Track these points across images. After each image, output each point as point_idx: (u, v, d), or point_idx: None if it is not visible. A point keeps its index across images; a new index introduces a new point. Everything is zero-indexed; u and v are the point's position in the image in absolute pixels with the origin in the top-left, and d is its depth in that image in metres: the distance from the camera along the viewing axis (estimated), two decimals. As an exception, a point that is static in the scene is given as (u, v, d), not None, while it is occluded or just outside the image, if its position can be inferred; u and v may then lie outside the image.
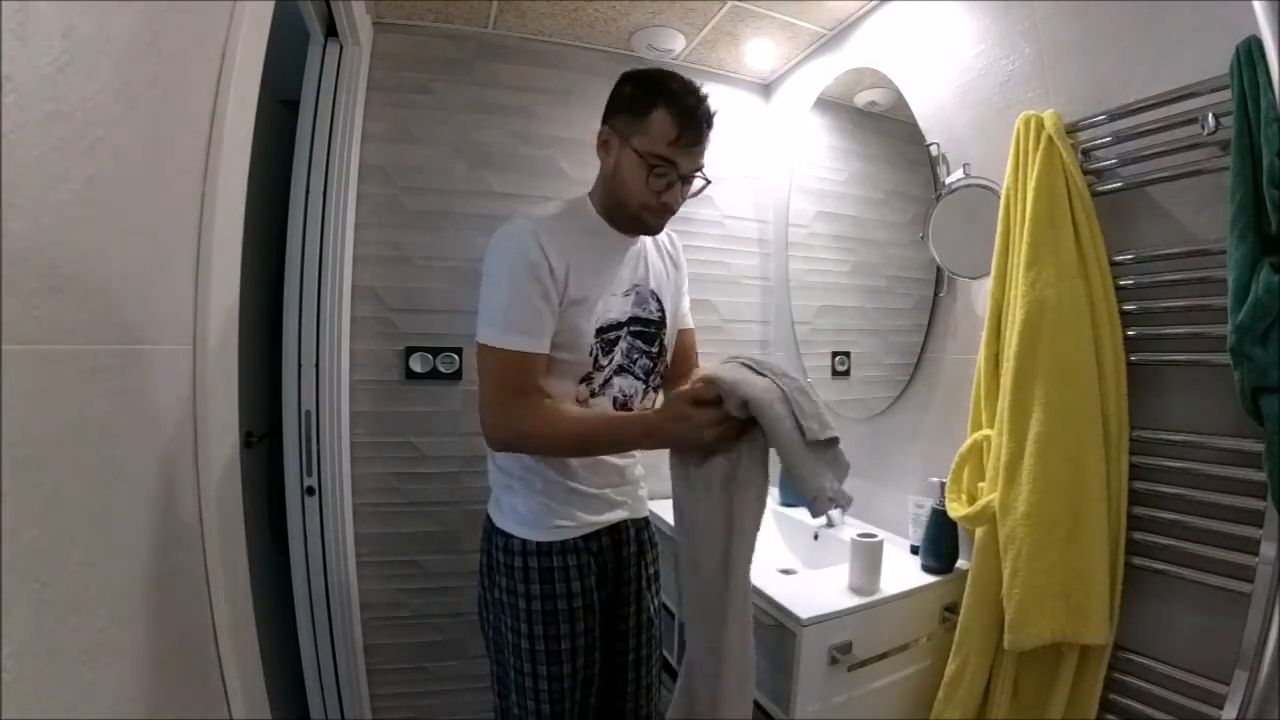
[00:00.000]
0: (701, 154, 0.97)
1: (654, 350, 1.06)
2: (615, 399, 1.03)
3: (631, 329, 1.03)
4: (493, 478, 1.08)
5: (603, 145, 1.00)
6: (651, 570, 1.13)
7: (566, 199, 1.05)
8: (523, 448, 0.98)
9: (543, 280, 0.92)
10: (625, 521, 1.08)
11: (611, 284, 1.01)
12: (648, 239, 1.08)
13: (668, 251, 1.13)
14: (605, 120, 1.00)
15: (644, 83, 0.97)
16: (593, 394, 1.00)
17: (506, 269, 0.93)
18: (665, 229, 1.07)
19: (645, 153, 0.93)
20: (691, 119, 0.93)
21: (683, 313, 1.16)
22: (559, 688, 0.99)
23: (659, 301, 1.07)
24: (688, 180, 0.97)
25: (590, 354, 0.98)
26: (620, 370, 1.03)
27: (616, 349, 1.01)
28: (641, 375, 1.05)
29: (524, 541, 1.00)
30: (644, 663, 1.12)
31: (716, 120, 0.97)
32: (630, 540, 1.09)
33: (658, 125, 0.93)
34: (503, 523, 1.03)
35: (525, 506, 1.01)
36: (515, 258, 0.92)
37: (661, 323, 1.07)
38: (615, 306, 1.01)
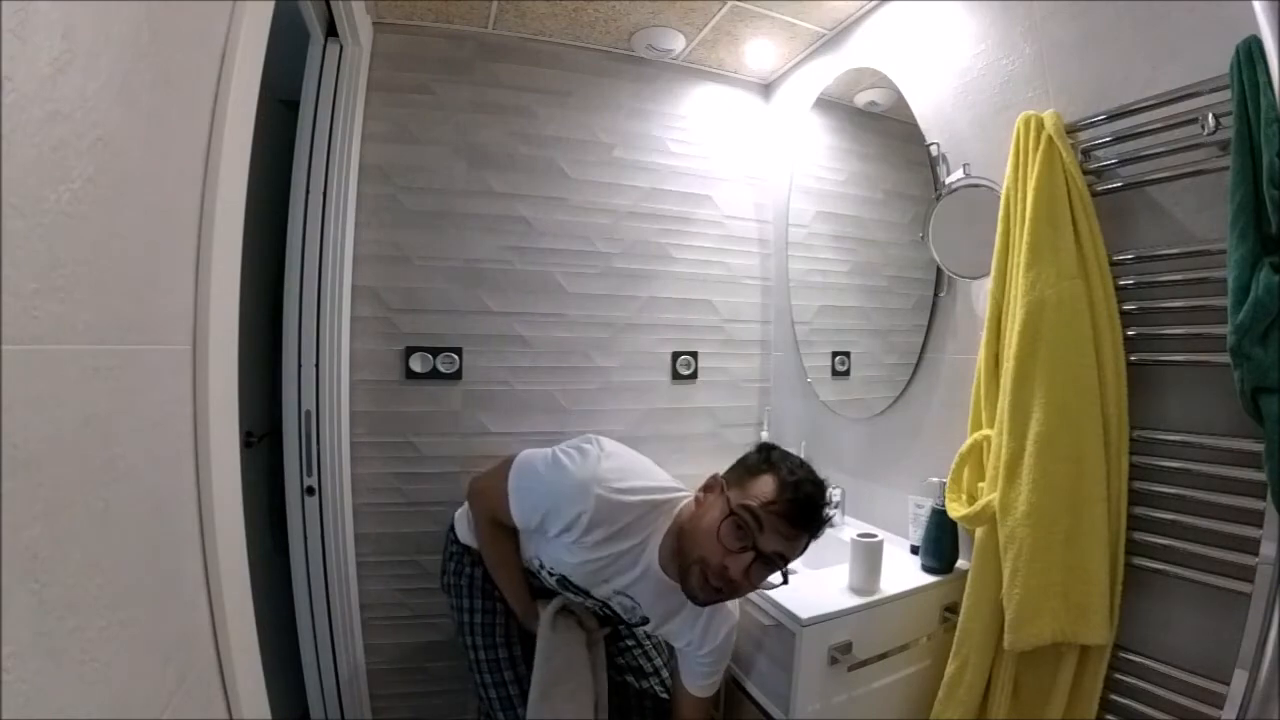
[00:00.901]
0: (793, 545, 0.89)
1: (617, 623, 1.15)
2: (553, 579, 1.10)
3: (605, 609, 1.09)
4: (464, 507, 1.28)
5: (706, 488, 0.97)
6: None
7: (658, 509, 0.99)
8: (472, 513, 1.19)
9: (550, 524, 0.98)
10: None
11: (602, 575, 1.01)
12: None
13: (704, 623, 1.04)
14: (725, 473, 0.99)
15: (771, 453, 0.96)
16: (535, 576, 1.15)
17: (553, 487, 0.99)
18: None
19: (736, 505, 0.88)
20: (796, 497, 0.87)
21: (692, 681, 1.09)
22: (505, 694, 1.13)
23: (646, 622, 1.07)
24: (766, 561, 0.87)
25: (545, 571, 1.10)
26: (578, 596, 1.10)
27: (570, 590, 1.09)
28: (594, 608, 1.12)
29: (472, 556, 1.22)
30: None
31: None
32: None
33: (760, 484, 0.90)
34: (463, 536, 1.24)
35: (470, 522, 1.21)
36: (559, 497, 0.97)
37: (638, 624, 1.11)
38: (597, 591, 1.05)
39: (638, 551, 0.98)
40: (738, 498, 0.89)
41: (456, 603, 1.22)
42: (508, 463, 1.08)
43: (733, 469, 0.99)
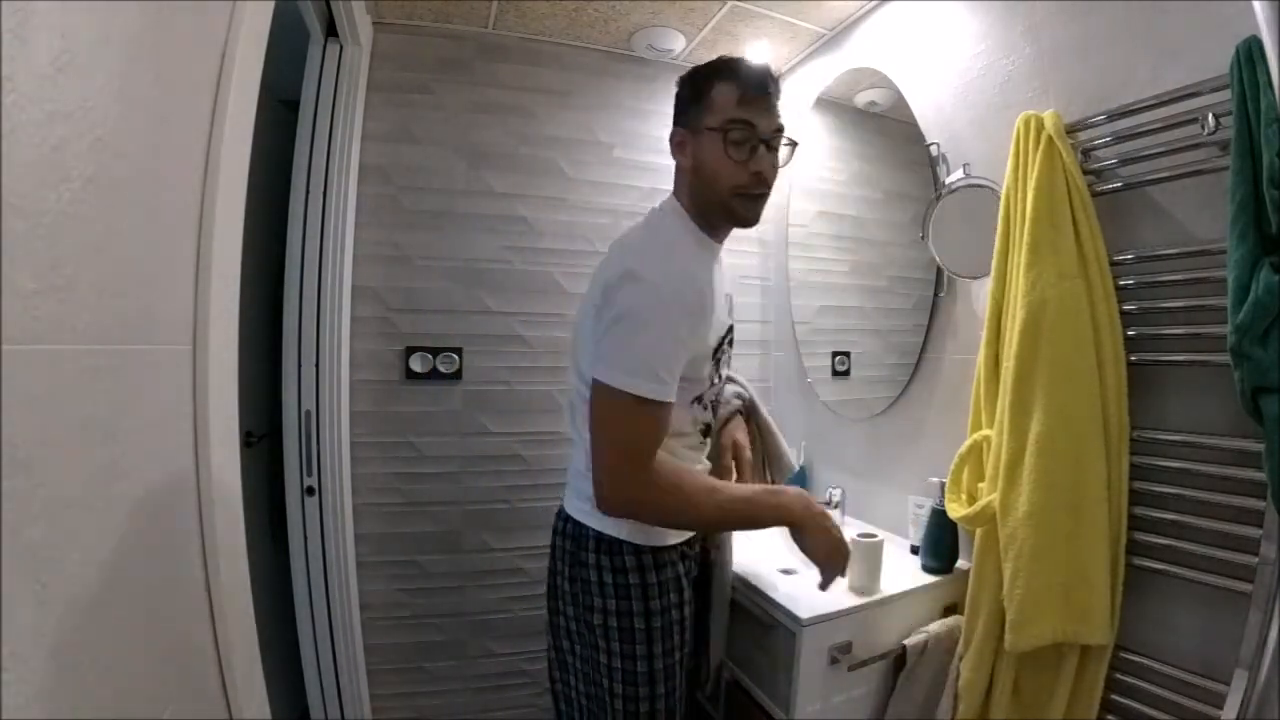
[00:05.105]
0: (776, 112, 0.91)
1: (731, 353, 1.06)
2: (710, 405, 1.01)
3: (728, 338, 1.01)
4: (583, 483, 0.93)
5: (678, 147, 0.95)
6: None
7: (668, 216, 0.96)
8: (643, 516, 0.88)
9: (697, 330, 0.86)
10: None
11: (720, 299, 0.96)
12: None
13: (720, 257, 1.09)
14: (674, 125, 0.96)
15: (699, 70, 0.94)
16: (704, 408, 0.98)
17: (665, 315, 0.82)
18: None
19: (718, 125, 0.88)
20: (753, 76, 0.89)
21: None
22: (672, 702, 0.96)
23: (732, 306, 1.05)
24: (771, 146, 0.91)
25: (707, 373, 0.94)
26: (725, 379, 1.03)
27: (721, 360, 0.99)
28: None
29: (637, 551, 0.93)
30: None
31: (781, 86, 0.93)
32: (708, 546, 1.11)
33: (721, 96, 0.89)
34: (606, 528, 0.93)
35: None
36: (678, 306, 0.83)
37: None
38: (722, 320, 0.97)
39: (701, 240, 0.96)
40: (712, 120, 0.88)
41: (608, 605, 0.93)
42: (608, 415, 0.82)
43: (680, 111, 0.95)
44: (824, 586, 0.96)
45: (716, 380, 0.99)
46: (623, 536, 0.93)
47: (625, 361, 0.81)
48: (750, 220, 0.94)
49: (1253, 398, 0.73)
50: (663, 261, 0.87)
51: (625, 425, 0.81)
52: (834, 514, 1.49)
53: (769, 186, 0.91)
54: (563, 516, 1.00)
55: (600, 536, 0.94)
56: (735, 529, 0.95)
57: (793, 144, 0.95)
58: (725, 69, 0.91)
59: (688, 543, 1.01)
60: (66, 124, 0.46)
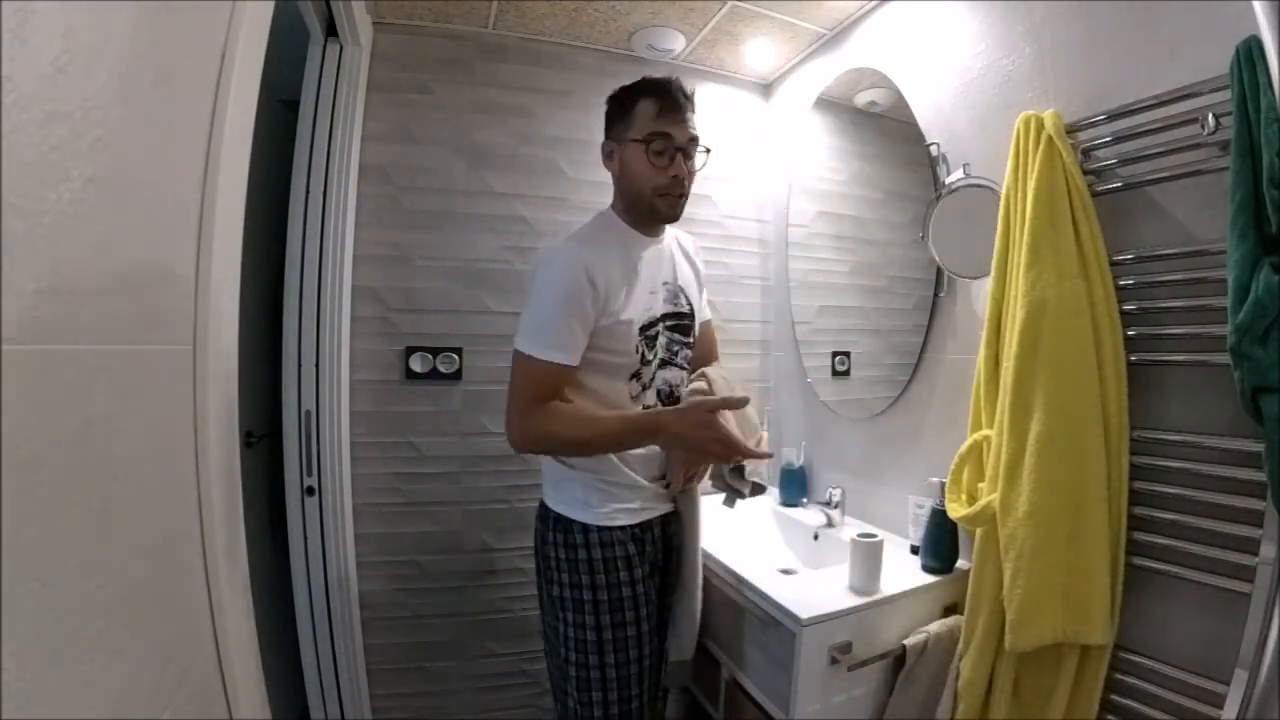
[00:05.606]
0: (689, 125, 1.04)
1: (689, 340, 1.16)
2: (660, 390, 1.12)
3: (667, 324, 1.10)
4: (549, 468, 1.12)
5: (608, 157, 1.10)
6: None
7: (597, 216, 1.13)
8: (540, 448, 1.04)
9: (584, 303, 0.98)
10: (671, 513, 1.15)
11: (646, 284, 1.08)
12: (671, 241, 1.16)
13: (686, 253, 1.22)
14: (605, 138, 1.10)
15: (624, 89, 1.08)
16: (644, 388, 1.09)
17: (551, 291, 0.99)
18: (681, 227, 1.18)
19: (639, 137, 1.02)
20: (669, 94, 1.03)
21: (703, 306, 1.25)
22: (625, 674, 1.04)
23: (686, 297, 1.16)
24: (688, 154, 1.04)
25: (637, 351, 1.05)
26: (664, 364, 1.11)
27: (658, 344, 1.09)
28: (684, 365, 1.15)
29: (585, 530, 1.05)
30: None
31: (699, 103, 1.06)
32: (672, 533, 1.16)
33: (642, 111, 1.03)
34: (562, 508, 1.07)
35: (584, 493, 1.06)
36: (561, 282, 0.98)
37: (692, 315, 1.16)
38: (653, 304, 1.08)
39: (624, 234, 1.09)
40: (635, 132, 1.03)
41: (561, 578, 1.06)
42: (512, 373, 1.00)
43: (609, 125, 1.10)
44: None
45: (651, 358, 1.08)
46: (573, 516, 1.06)
47: (521, 328, 1.00)
48: (671, 216, 1.09)
49: (1253, 398, 0.73)
50: (562, 250, 1.03)
51: (516, 378, 1.00)
52: (834, 514, 1.50)
53: (685, 188, 1.06)
54: (540, 504, 1.14)
55: (558, 517, 1.07)
56: (624, 447, 1.04)
57: (707, 150, 1.08)
58: (647, 87, 1.04)
59: (640, 526, 1.08)
60: (66, 124, 0.46)
